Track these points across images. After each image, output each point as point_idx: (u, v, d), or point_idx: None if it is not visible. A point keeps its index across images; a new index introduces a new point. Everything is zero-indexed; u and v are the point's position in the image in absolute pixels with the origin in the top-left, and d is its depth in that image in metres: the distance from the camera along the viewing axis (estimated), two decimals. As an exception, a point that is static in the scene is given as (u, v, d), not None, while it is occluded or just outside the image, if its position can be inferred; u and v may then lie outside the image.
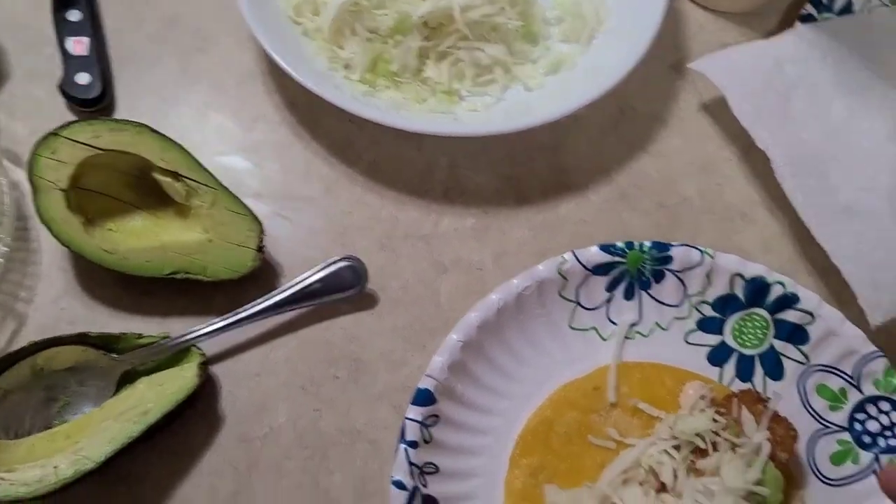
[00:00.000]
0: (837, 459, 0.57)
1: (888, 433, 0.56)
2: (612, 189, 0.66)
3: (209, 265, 0.57)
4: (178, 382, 0.54)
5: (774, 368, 0.60)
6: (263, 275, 0.61)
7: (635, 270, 0.60)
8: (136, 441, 0.52)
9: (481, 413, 0.57)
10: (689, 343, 0.61)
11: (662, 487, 0.53)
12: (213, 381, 0.58)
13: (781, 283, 0.59)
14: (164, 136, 0.58)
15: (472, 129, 0.64)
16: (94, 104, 0.65)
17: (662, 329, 0.61)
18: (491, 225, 0.64)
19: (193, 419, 0.57)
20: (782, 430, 0.55)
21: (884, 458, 0.56)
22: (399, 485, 0.52)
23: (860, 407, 0.57)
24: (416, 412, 0.54)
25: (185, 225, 0.59)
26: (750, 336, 0.60)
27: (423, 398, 0.55)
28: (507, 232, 0.64)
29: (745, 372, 0.60)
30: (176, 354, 0.57)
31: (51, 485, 0.49)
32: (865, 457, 0.56)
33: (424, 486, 0.54)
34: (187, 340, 0.56)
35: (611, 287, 0.61)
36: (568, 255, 0.59)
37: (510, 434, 0.57)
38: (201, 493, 0.55)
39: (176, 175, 0.58)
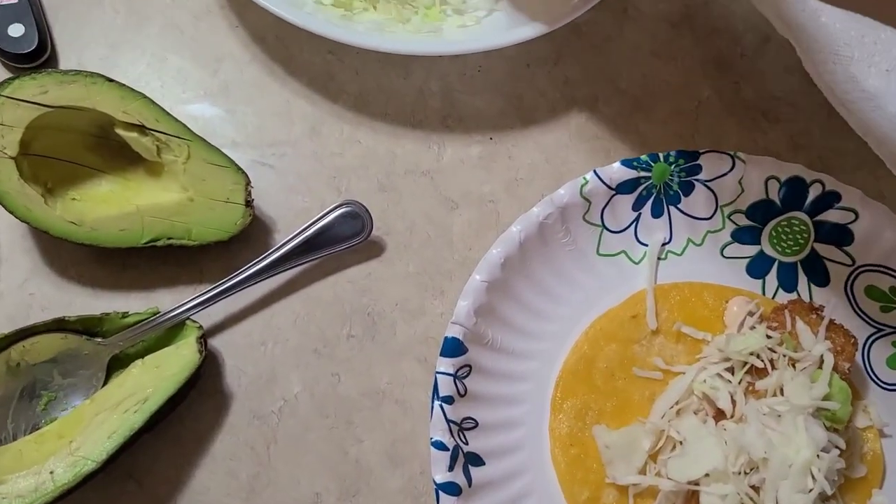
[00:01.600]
0: (895, 363, 0.53)
1: (946, 328, 0.53)
2: (624, 99, 0.61)
3: (193, 227, 0.50)
4: (177, 362, 0.48)
5: (819, 274, 0.55)
6: (255, 233, 0.54)
7: (662, 185, 0.55)
8: (139, 432, 0.46)
9: (516, 358, 0.53)
10: (726, 257, 0.56)
11: (720, 414, 0.49)
12: (214, 356, 0.52)
13: (820, 182, 0.54)
14: (121, 84, 0.50)
15: (463, 46, 0.57)
16: (33, 59, 0.57)
17: (696, 245, 0.56)
18: (498, 151, 0.58)
19: (198, 401, 0.51)
20: (841, 339, 0.51)
21: (944, 356, 0.52)
22: (439, 445, 0.47)
23: (913, 304, 0.54)
24: (446, 364, 0.49)
25: (161, 185, 0.52)
26: (790, 242, 0.56)
27: (452, 348, 0.49)
28: (516, 157, 0.58)
29: (788, 281, 0.56)
30: (169, 331, 0.50)
31: (49, 493, 0.43)
32: (922, 356, 0.53)
33: (465, 443, 0.49)
34: (180, 314, 0.50)
35: (637, 206, 0.56)
36: (589, 175, 0.54)
37: (550, 377, 0.53)
38: (219, 479, 0.49)
39: (142, 128, 0.50)
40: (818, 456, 0.45)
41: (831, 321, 0.51)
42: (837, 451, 0.46)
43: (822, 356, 0.49)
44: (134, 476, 0.49)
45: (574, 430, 0.51)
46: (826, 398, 0.48)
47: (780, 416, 0.47)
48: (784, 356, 0.49)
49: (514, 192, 0.57)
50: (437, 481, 0.47)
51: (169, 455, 0.50)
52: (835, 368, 0.49)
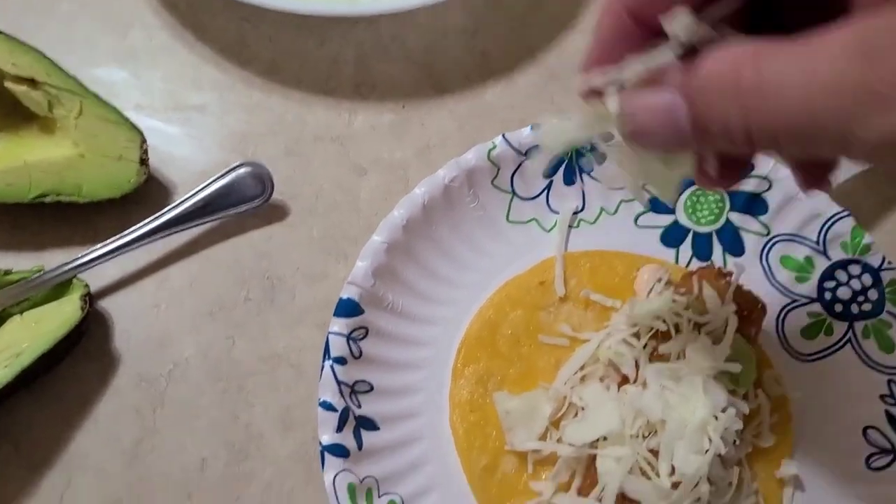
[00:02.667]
0: (809, 333, 0.52)
1: (861, 298, 0.51)
2: (541, 70, 0.60)
3: (84, 184, 0.49)
4: (56, 318, 0.46)
5: (734, 244, 0.54)
6: (154, 195, 0.53)
7: (574, 152, 0.54)
8: (12, 389, 0.44)
9: (419, 323, 0.51)
10: (640, 226, 0.55)
11: (625, 380, 0.48)
12: (103, 318, 0.50)
13: (734, 150, 0.53)
14: (11, 37, 0.49)
15: (377, 6, 0.56)
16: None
17: (610, 214, 0.55)
18: (411, 119, 0.57)
19: (83, 363, 0.49)
20: (749, 304, 0.50)
21: (858, 326, 0.51)
22: (327, 406, 0.46)
23: (829, 274, 0.52)
24: (340, 325, 0.47)
25: (53, 141, 0.51)
26: (705, 212, 0.55)
27: (347, 308, 0.48)
28: (428, 125, 0.57)
29: (702, 251, 0.54)
30: (56, 290, 0.48)
31: None
32: (839, 327, 0.51)
33: (358, 406, 0.47)
34: (66, 272, 0.48)
35: (549, 172, 0.54)
36: (498, 140, 0.53)
37: (453, 343, 0.51)
38: (100, 443, 0.47)
39: (32, 82, 0.49)
40: (715, 417, 0.44)
41: (739, 287, 0.50)
42: (734, 411, 0.44)
43: (727, 320, 0.48)
44: (10, 438, 0.47)
45: (475, 396, 0.49)
46: (730, 360, 0.46)
47: (680, 378, 0.46)
48: (689, 321, 0.48)
49: (425, 160, 0.56)
50: (324, 443, 0.45)
51: (48, 418, 0.48)
52: (742, 333, 0.48)
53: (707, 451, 0.43)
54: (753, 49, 0.24)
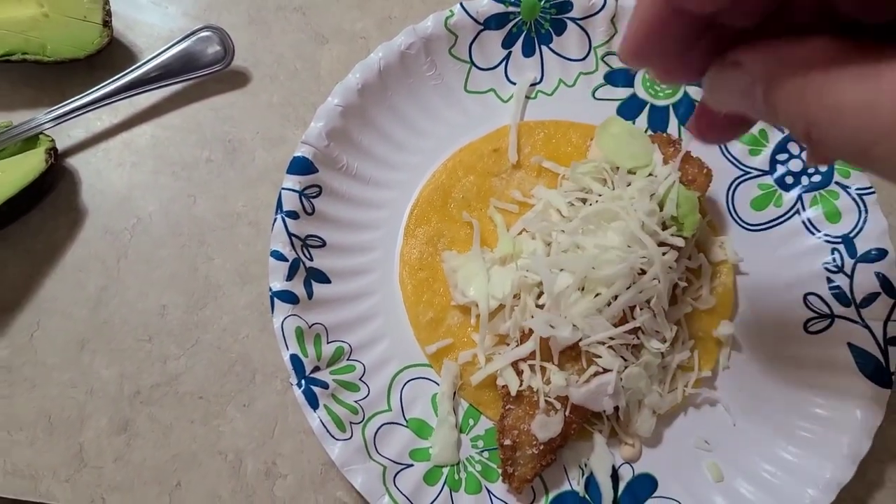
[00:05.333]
0: (758, 204, 0.53)
1: (811, 170, 0.52)
2: (508, -56, 0.59)
3: (49, 43, 0.51)
4: (21, 168, 0.48)
5: (689, 117, 0.54)
6: (118, 59, 0.54)
7: (533, 23, 0.54)
8: (-21, 232, 0.46)
9: (373, 186, 0.53)
10: (598, 98, 0.55)
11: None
12: (71, 174, 0.52)
13: (692, 21, 0.53)
14: None
15: None
16: None
17: (568, 86, 0.56)
18: (374, -10, 0.57)
19: (52, 215, 0.51)
20: (695, 169, 0.50)
21: (807, 197, 0.52)
22: (278, 255, 0.48)
23: (782, 147, 0.53)
24: (292, 181, 0.49)
25: (18, 2, 0.52)
26: (663, 86, 0.55)
27: (300, 166, 0.49)
28: (391, -3, 0.57)
29: (658, 123, 0.55)
30: (24, 145, 0.51)
31: None
32: (788, 198, 0.52)
33: (309, 259, 0.49)
34: (33, 127, 0.50)
35: (507, 43, 0.55)
36: (456, 8, 0.53)
37: (406, 206, 0.53)
38: (67, 288, 0.50)
39: (-4, -59, 0.50)
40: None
41: (688, 153, 0.51)
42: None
43: (672, 181, 0.48)
44: (-18, 283, 0.50)
45: (424, 255, 0.51)
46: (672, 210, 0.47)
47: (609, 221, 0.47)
48: (616, 170, 0.49)
49: (386, 30, 0.57)
50: (273, 289, 0.47)
51: (18, 264, 0.50)
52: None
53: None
54: (810, 59, 0.25)
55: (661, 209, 0.47)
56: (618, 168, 0.48)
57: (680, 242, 0.46)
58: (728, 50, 0.28)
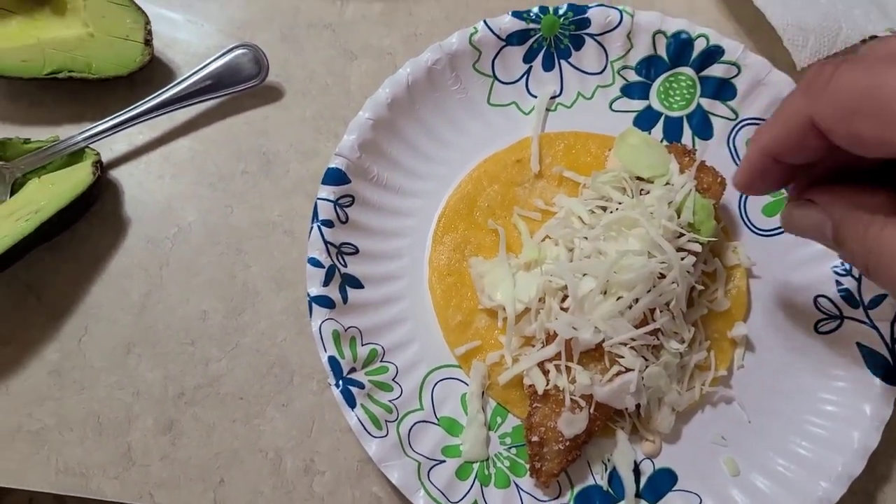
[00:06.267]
0: (770, 211, 0.56)
1: (820, 177, 0.54)
2: (527, -37, 0.62)
3: (93, 61, 0.53)
4: (70, 180, 0.51)
5: (703, 127, 0.57)
6: (158, 75, 0.57)
7: (553, 38, 0.57)
8: (32, 241, 0.49)
9: (402, 195, 0.55)
10: (615, 111, 0.58)
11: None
12: (114, 186, 0.55)
13: (705, 36, 0.56)
14: (23, -78, 0.53)
15: None
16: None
17: (586, 99, 0.58)
18: (399, 8, 0.60)
19: (97, 225, 0.54)
20: (710, 178, 0.53)
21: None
22: (315, 262, 0.50)
23: (791, 156, 0.55)
24: (327, 191, 0.52)
25: (64, 23, 0.55)
26: (677, 97, 0.58)
27: (334, 177, 0.52)
28: (417, 14, 0.60)
29: (672, 134, 0.57)
30: (71, 159, 0.53)
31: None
32: (798, 205, 0.54)
33: (344, 265, 0.52)
34: (79, 141, 0.53)
35: (528, 58, 0.57)
36: (479, 25, 0.56)
37: (434, 214, 0.55)
38: (112, 295, 0.52)
39: (44, -34, 0.53)
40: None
41: (703, 163, 0.53)
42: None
43: (688, 189, 0.51)
44: (33, 290, 0.52)
45: (452, 261, 0.54)
46: (686, 216, 0.50)
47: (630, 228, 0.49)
48: (643, 190, 0.51)
49: (412, 46, 0.59)
50: (311, 294, 0.50)
51: (67, 273, 0.53)
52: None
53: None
54: (874, 209, 0.35)
55: (679, 216, 0.49)
56: (637, 178, 0.51)
57: (697, 248, 0.48)
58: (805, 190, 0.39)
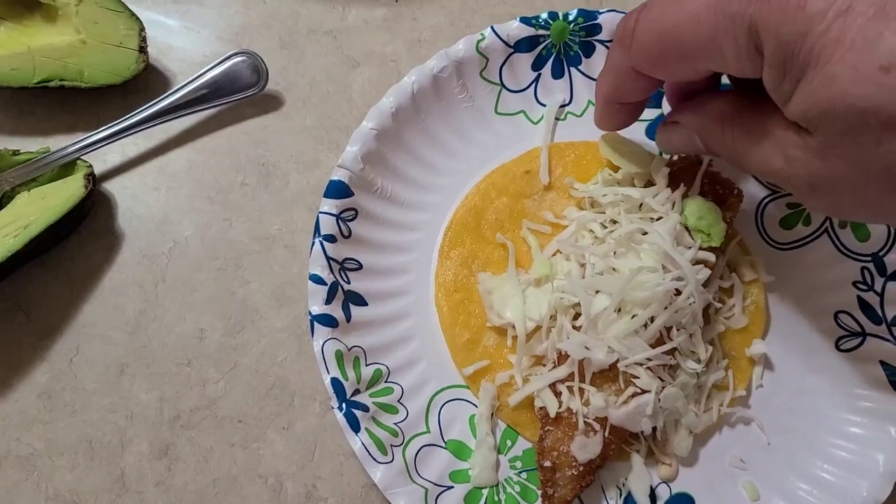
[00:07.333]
0: (788, 223, 0.54)
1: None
2: (533, -35, 0.60)
3: (86, 69, 0.51)
4: (61, 194, 0.49)
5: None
6: (153, 83, 0.55)
7: (562, 45, 0.55)
8: (22, 258, 0.47)
9: (407, 208, 0.53)
10: (627, 120, 0.56)
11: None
12: (108, 199, 0.53)
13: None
14: (13, -74, 0.51)
15: None
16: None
17: (597, 107, 0.56)
18: (403, 13, 0.58)
19: (90, 240, 0.52)
20: (726, 190, 0.51)
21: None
22: (316, 279, 0.48)
23: (809, 166, 0.53)
24: (329, 205, 0.50)
25: (56, 29, 0.53)
26: (691, 106, 0.55)
27: (336, 190, 0.50)
28: (420, 20, 0.58)
29: (686, 144, 0.55)
30: (62, 171, 0.51)
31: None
32: (817, 218, 0.53)
33: (347, 282, 0.49)
34: (70, 153, 0.50)
35: (537, 66, 0.55)
36: (487, 31, 0.54)
37: (440, 228, 0.53)
38: (105, 313, 0.50)
39: (34, -30, 0.51)
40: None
41: (718, 174, 0.51)
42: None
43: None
44: (22, 308, 0.50)
45: (459, 277, 0.52)
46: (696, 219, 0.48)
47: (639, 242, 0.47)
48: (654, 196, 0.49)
49: (415, 53, 0.57)
50: (313, 313, 0.47)
51: (58, 289, 0.51)
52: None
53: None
54: (722, 116, 0.40)
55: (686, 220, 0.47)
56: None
57: (711, 256, 0.47)
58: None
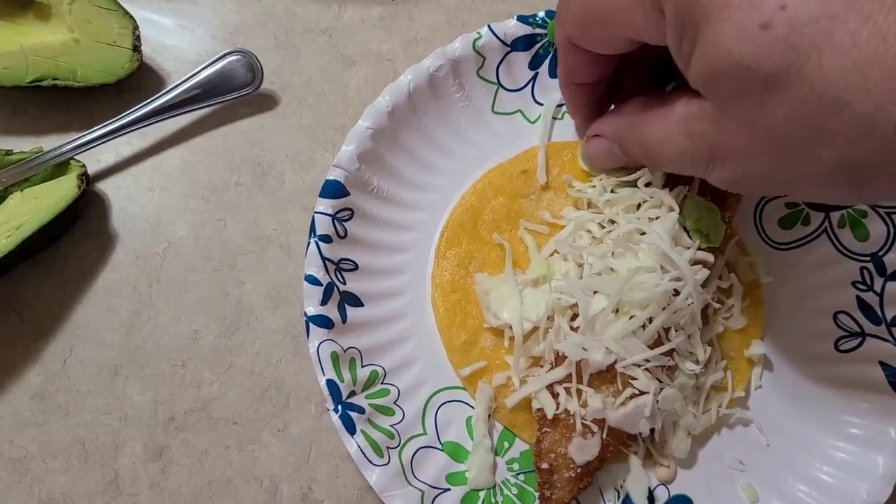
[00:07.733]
0: (787, 223, 0.53)
1: (838, 188, 0.52)
2: (531, -37, 0.60)
3: (79, 68, 0.51)
4: (55, 194, 0.48)
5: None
6: (147, 82, 0.54)
7: (560, 45, 0.54)
8: (14, 259, 0.46)
9: (404, 208, 0.53)
10: (624, 119, 0.55)
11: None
12: (101, 199, 0.52)
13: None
14: (5, -77, 0.50)
15: None
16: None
17: (594, 106, 0.55)
18: (399, 12, 0.58)
19: (83, 241, 0.51)
20: (725, 190, 0.50)
21: (835, 215, 0.52)
22: (312, 280, 0.48)
23: (808, 166, 0.53)
24: (325, 205, 0.49)
25: (49, 28, 0.52)
26: (689, 105, 0.55)
27: (332, 190, 0.49)
28: (417, 18, 0.58)
29: (684, 143, 0.55)
30: (55, 171, 0.51)
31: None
32: (815, 217, 0.52)
33: (343, 282, 0.49)
34: (64, 153, 0.50)
35: (534, 64, 0.55)
36: (483, 30, 0.53)
37: (437, 228, 0.53)
38: (99, 314, 0.50)
39: (26, -32, 0.50)
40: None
41: (717, 175, 0.51)
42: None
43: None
44: (15, 308, 0.50)
45: (456, 277, 0.51)
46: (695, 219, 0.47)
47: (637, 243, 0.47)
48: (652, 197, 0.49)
49: (412, 52, 0.57)
50: (308, 314, 0.47)
51: (51, 290, 0.50)
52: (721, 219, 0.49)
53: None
54: (632, 116, 0.42)
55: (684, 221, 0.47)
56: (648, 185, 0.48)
57: (709, 257, 0.46)
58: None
